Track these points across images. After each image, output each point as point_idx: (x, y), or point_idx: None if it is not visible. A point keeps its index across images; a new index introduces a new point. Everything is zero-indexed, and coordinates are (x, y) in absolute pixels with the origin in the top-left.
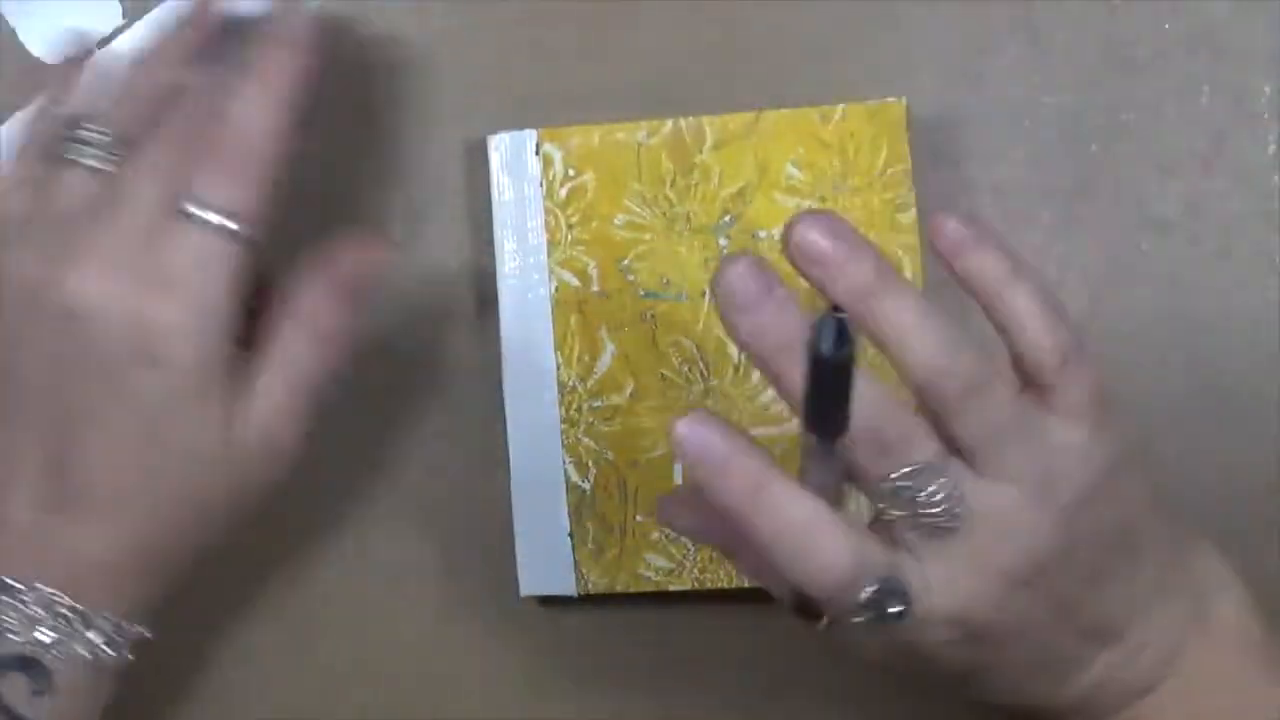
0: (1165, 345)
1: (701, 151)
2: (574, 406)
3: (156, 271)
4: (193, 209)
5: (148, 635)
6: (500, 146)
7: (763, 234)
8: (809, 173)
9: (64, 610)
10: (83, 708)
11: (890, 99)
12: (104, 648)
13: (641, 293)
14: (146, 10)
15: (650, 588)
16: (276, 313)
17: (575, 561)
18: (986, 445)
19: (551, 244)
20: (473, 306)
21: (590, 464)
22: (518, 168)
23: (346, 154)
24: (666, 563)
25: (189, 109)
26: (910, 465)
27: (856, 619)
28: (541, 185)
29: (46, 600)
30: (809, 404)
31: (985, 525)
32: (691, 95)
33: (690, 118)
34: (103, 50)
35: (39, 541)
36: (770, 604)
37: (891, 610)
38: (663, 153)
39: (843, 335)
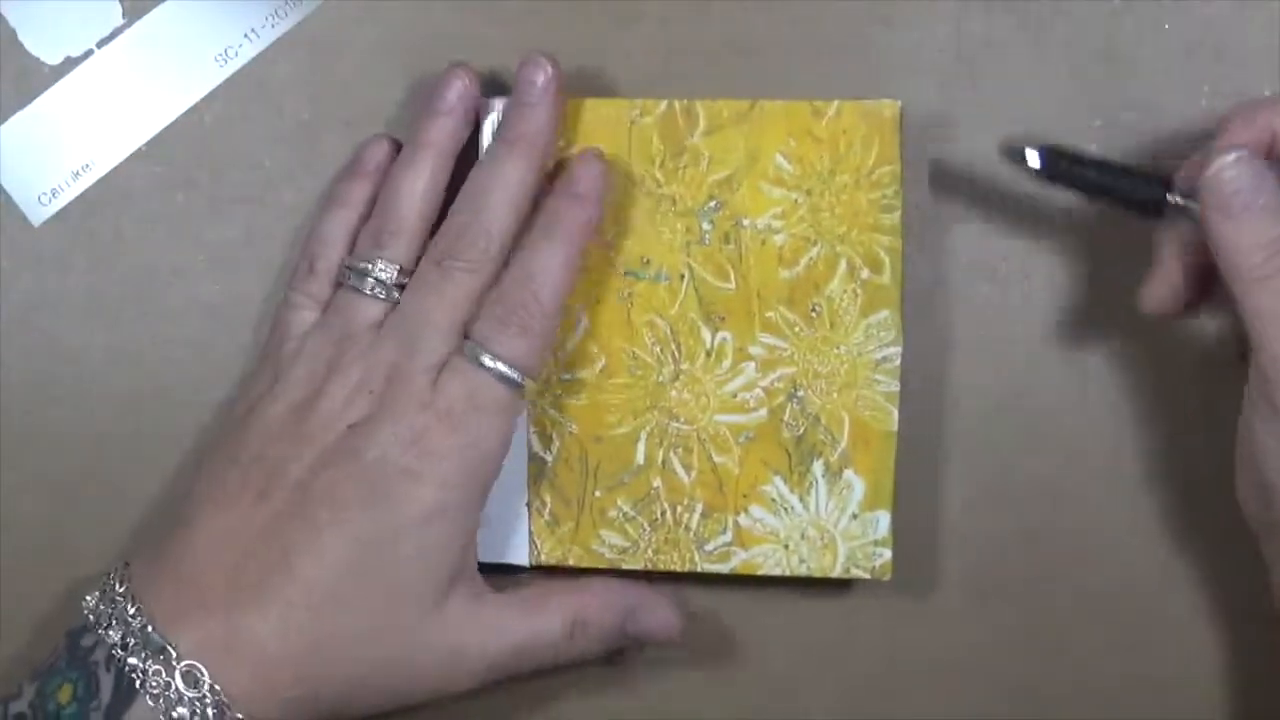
0: (1165, 344)
1: (693, 135)
2: (542, 377)
3: (440, 403)
4: (486, 360)
5: None
6: (492, 112)
7: (746, 222)
8: (798, 165)
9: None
10: None
11: (885, 100)
12: None
13: (621, 270)
14: (146, 11)
15: (603, 564)
16: (552, 587)
17: (530, 532)
18: None
19: None
20: None
21: (554, 435)
22: None
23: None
24: (621, 540)
25: (486, 255)
26: None
27: None
28: None
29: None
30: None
31: None
32: (688, 90)
33: (684, 100)
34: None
35: (225, 621)
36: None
37: None
38: (654, 132)
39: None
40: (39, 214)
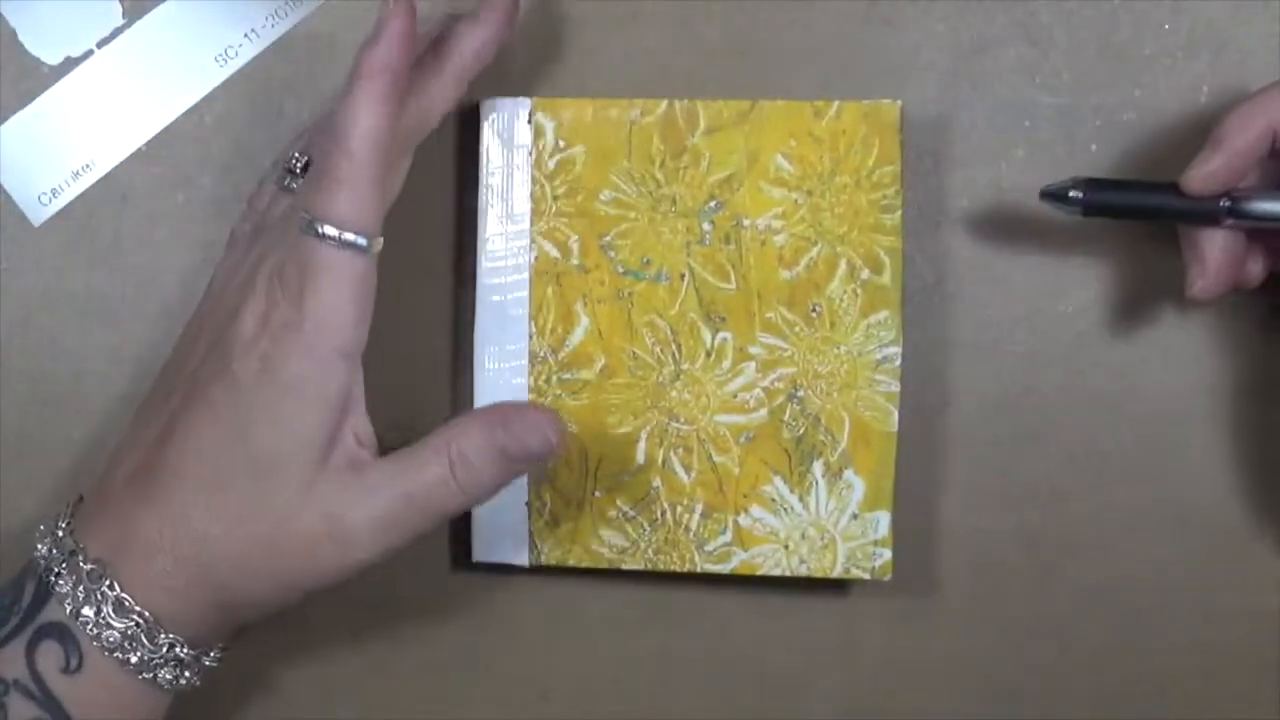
0: (1164, 343)
1: (694, 135)
2: (543, 377)
3: (289, 281)
4: (322, 228)
5: (209, 664)
6: (493, 112)
7: (747, 222)
8: (798, 166)
9: (110, 592)
10: (111, 704)
11: (885, 100)
12: (150, 658)
13: (621, 270)
14: (146, 11)
15: (603, 564)
16: (432, 434)
17: (530, 532)
18: None
19: (536, 214)
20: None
21: None
22: (509, 135)
23: None
24: (622, 540)
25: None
26: None
27: None
28: (531, 154)
29: (114, 595)
30: None
31: None
32: (688, 90)
33: (685, 100)
34: None
35: (120, 519)
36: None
37: None
38: (655, 133)
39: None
40: (39, 214)
